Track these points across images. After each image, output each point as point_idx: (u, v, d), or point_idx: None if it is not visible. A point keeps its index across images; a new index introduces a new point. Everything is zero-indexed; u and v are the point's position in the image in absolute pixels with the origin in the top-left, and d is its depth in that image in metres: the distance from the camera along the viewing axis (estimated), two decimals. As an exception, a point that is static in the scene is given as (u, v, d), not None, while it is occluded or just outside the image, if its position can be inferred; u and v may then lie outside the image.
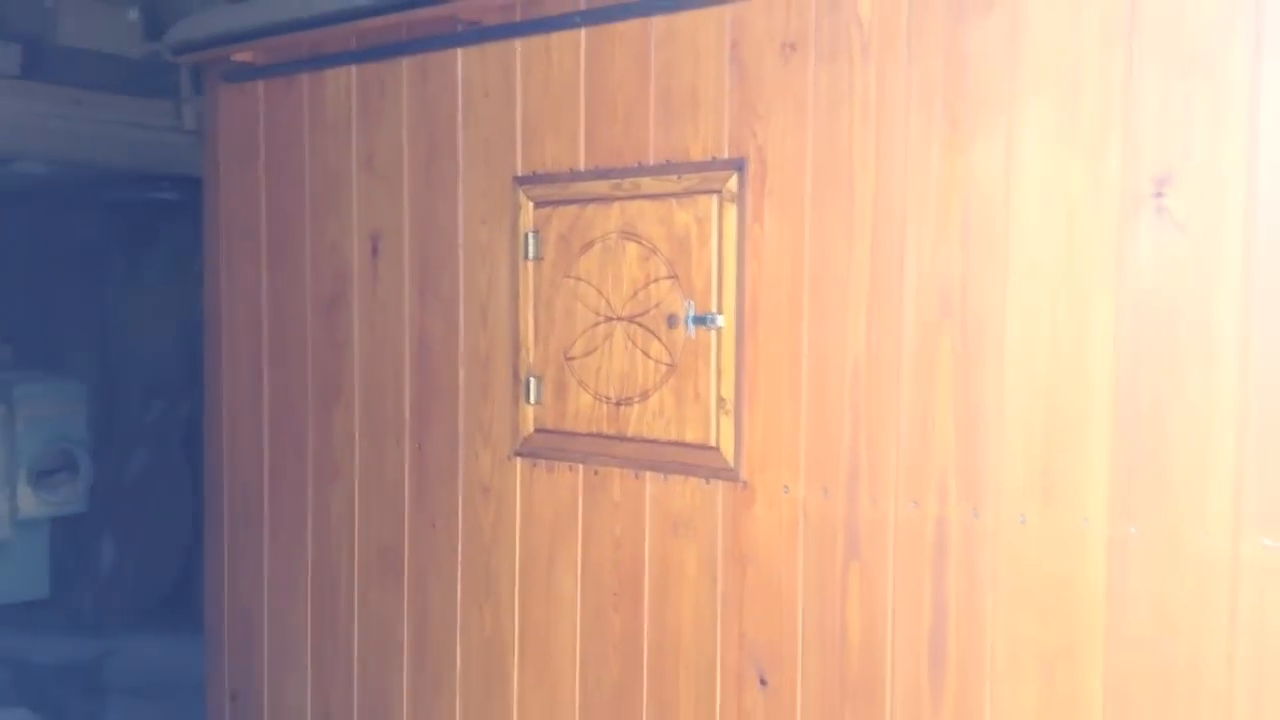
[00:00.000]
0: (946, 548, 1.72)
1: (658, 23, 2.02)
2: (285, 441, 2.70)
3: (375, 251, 2.51)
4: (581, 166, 2.14)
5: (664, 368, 2.02)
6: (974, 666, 1.71)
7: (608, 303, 2.10)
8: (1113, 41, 1.58)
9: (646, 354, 2.04)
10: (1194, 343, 1.53)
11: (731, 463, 1.94)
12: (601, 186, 2.11)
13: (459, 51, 2.33)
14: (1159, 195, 1.55)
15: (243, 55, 2.71)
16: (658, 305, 2.03)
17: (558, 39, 2.17)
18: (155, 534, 4.95)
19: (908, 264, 1.75)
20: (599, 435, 2.13)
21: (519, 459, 2.26)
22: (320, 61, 2.58)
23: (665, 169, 2.02)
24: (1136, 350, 1.57)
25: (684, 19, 1.99)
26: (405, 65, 2.43)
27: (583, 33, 2.13)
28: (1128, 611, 1.58)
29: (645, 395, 2.05)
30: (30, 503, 4.87)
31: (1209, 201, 1.52)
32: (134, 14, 4.82)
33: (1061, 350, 1.62)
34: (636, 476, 2.08)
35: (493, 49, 2.27)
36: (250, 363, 2.78)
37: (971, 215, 1.70)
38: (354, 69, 2.52)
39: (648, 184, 2.04)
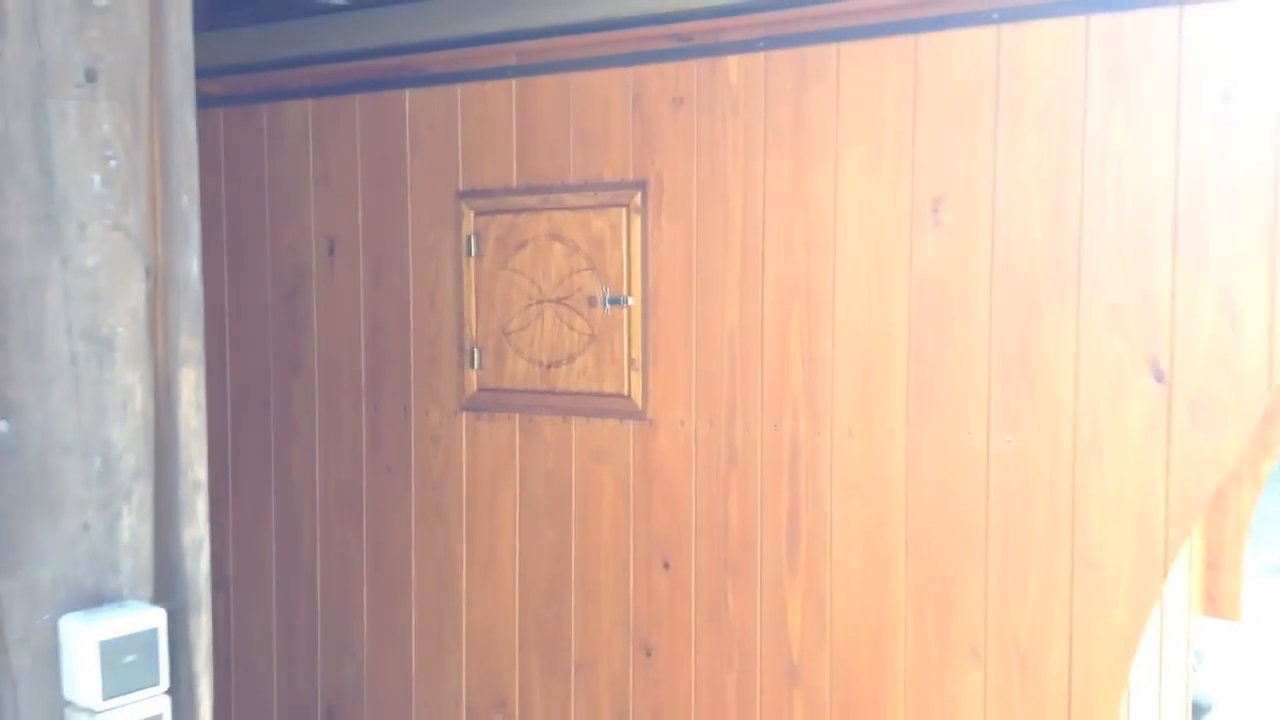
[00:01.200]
0: (798, 457, 2.44)
1: (575, 78, 2.67)
2: (248, 410, 3.23)
3: (332, 251, 3.07)
4: (514, 184, 2.78)
5: (586, 337, 2.68)
6: (819, 539, 2.44)
7: (539, 289, 2.74)
8: (903, 105, 2.33)
9: (571, 327, 2.70)
10: (959, 309, 2.29)
11: (640, 406, 2.62)
12: (531, 200, 2.74)
13: (407, 92, 2.92)
14: (935, 211, 2.30)
15: (205, 87, 3.22)
16: (580, 290, 2.68)
17: (493, 85, 2.79)
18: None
19: (767, 257, 2.47)
20: (532, 391, 2.77)
21: (464, 413, 2.88)
22: (279, 95, 3.12)
23: (584, 187, 2.67)
24: (922, 314, 2.32)
25: (596, 76, 2.64)
26: (358, 101, 3.00)
27: (513, 82, 2.77)
28: (920, 492, 2.33)
29: (571, 358, 2.70)
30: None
31: (967, 215, 2.28)
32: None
33: (873, 316, 2.36)
34: (564, 421, 2.73)
35: (437, 91, 2.88)
36: (214, 345, 3.28)
37: (811, 223, 2.42)
38: (310, 102, 3.08)
39: (570, 199, 2.69)
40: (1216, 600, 3.84)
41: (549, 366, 2.73)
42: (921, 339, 2.32)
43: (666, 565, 2.61)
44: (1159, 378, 2.12)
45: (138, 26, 1.36)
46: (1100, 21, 2.14)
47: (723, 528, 2.54)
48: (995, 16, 2.23)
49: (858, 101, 2.36)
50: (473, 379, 2.85)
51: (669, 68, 2.56)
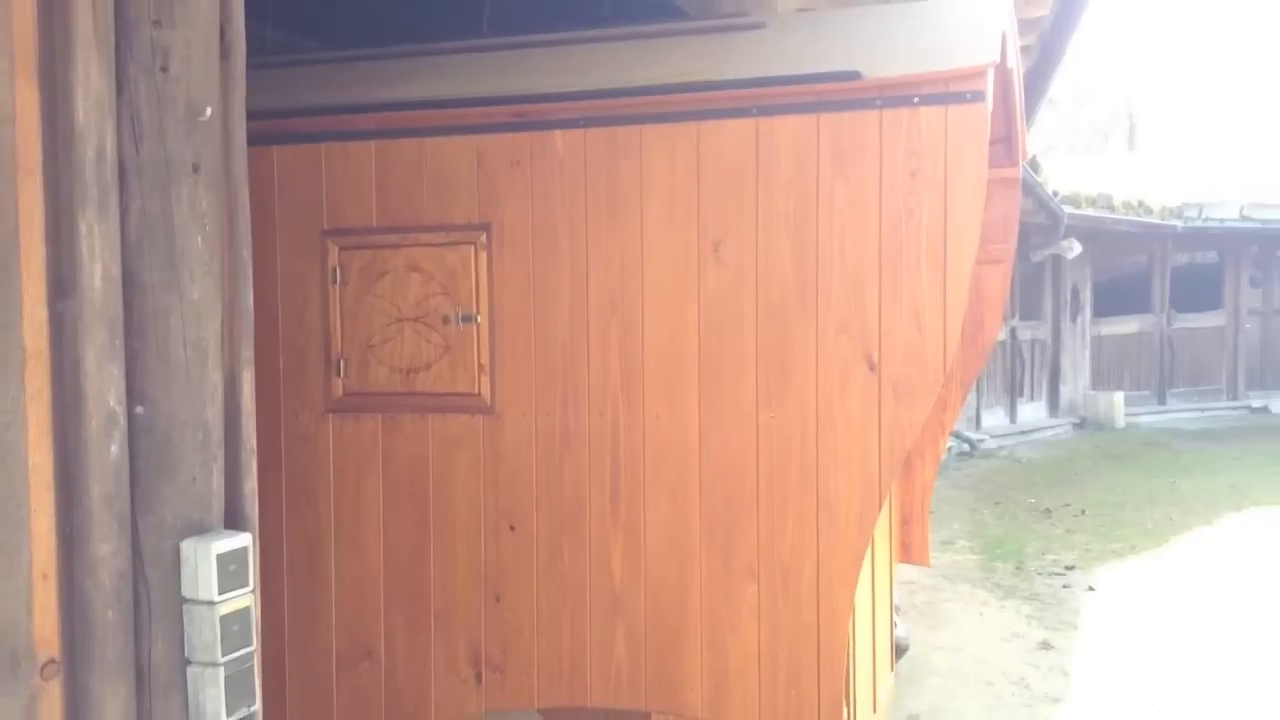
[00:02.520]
0: (619, 437, 3.21)
1: (429, 142, 3.33)
2: (119, 420, 3.65)
3: (203, 279, 3.56)
4: (375, 224, 3.40)
5: (441, 348, 3.34)
6: (635, 498, 3.21)
7: (398, 309, 3.37)
8: (690, 172, 3.14)
9: (428, 341, 3.35)
10: (733, 323, 3.12)
11: (489, 402, 3.30)
12: (391, 238, 3.37)
13: (274, 148, 3.48)
14: (716, 251, 3.13)
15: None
16: (435, 310, 3.34)
17: (354, 145, 3.41)
18: None
19: (590, 285, 3.22)
20: (394, 394, 3.39)
21: (331, 415, 3.46)
22: (149, 143, 3.58)
23: (437, 228, 3.33)
24: (708, 327, 3.13)
25: (447, 141, 3.31)
26: (228, 152, 3.52)
27: (374, 144, 3.39)
28: (710, 458, 3.14)
29: (428, 366, 3.35)
30: None
31: (738, 254, 3.12)
32: None
33: (674, 330, 3.16)
34: (423, 418, 3.38)
35: (303, 149, 3.45)
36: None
37: (624, 259, 3.19)
38: (181, 151, 3.56)
39: (425, 237, 3.34)
40: (910, 549, 4.92)
41: (409, 373, 3.37)
42: (708, 345, 3.14)
43: (513, 528, 3.31)
44: (872, 368, 3.03)
45: (220, 132, 1.97)
46: (827, 118, 3.04)
47: (559, 495, 3.27)
48: (754, 111, 3.08)
49: (656, 169, 3.16)
50: (339, 385, 3.44)
51: (507, 137, 3.27)
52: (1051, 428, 17.47)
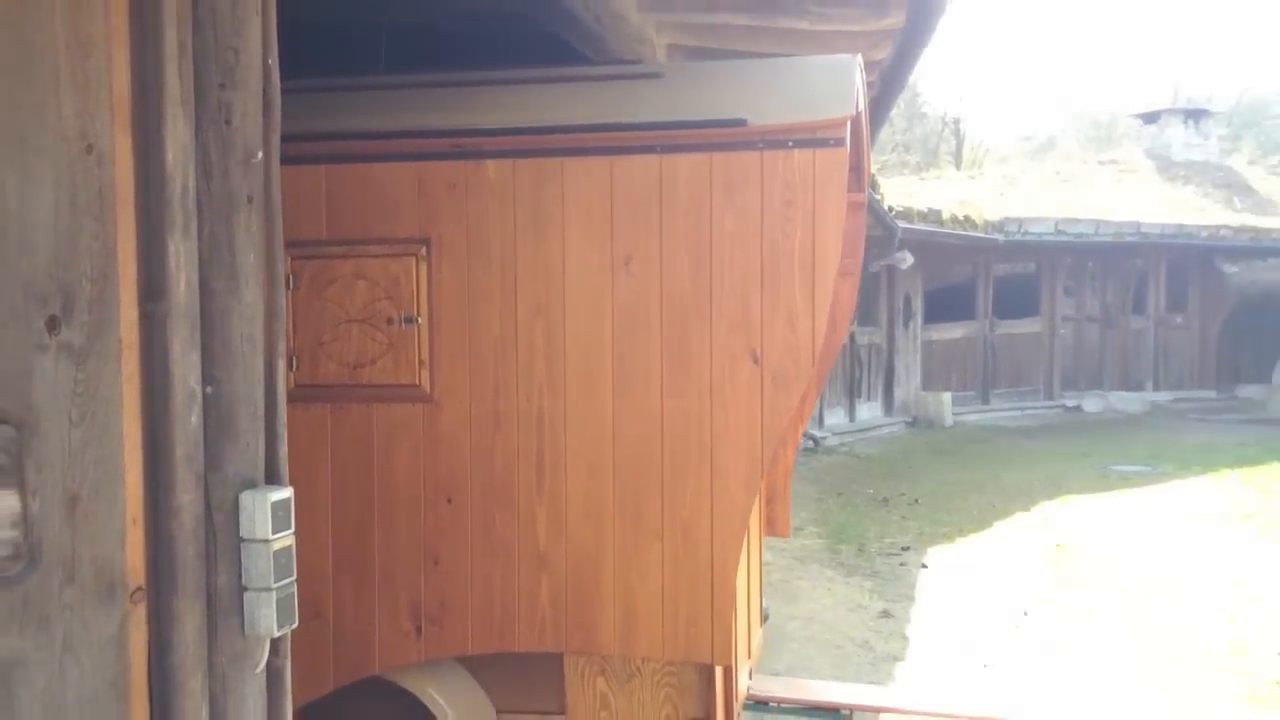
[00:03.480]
0: (544, 420, 3.77)
1: (375, 167, 3.84)
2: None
3: (162, 284, 3.97)
4: (325, 237, 3.88)
5: (385, 345, 3.84)
6: (558, 473, 3.77)
7: (346, 312, 3.86)
8: (604, 199, 3.73)
9: (374, 340, 3.85)
10: (642, 325, 3.72)
11: (429, 392, 3.82)
12: (339, 249, 3.86)
13: (232, 167, 3.91)
14: (627, 264, 3.72)
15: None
16: (380, 312, 3.84)
17: (306, 169, 3.88)
18: None
19: (518, 291, 3.78)
20: (342, 385, 3.88)
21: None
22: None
23: (382, 241, 3.83)
24: (621, 328, 3.73)
25: (392, 167, 3.82)
26: (187, 171, 3.94)
27: (323, 168, 3.87)
28: (622, 437, 3.73)
29: (374, 361, 3.85)
30: None
31: (646, 267, 3.72)
32: None
33: (590, 329, 3.74)
34: (369, 407, 3.87)
35: (259, 168, 3.90)
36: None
37: (548, 270, 3.76)
38: (142, 169, 3.97)
39: (371, 249, 3.83)
40: (774, 523, 5.62)
41: (356, 367, 3.87)
42: (621, 343, 3.74)
43: (449, 500, 3.84)
44: (755, 361, 3.68)
45: (264, 171, 2.48)
46: (719, 157, 3.67)
47: (491, 470, 3.81)
48: (658, 149, 3.70)
49: (576, 195, 3.74)
50: (291, 378, 3.90)
51: (445, 164, 3.80)
52: (887, 426, 18.67)
